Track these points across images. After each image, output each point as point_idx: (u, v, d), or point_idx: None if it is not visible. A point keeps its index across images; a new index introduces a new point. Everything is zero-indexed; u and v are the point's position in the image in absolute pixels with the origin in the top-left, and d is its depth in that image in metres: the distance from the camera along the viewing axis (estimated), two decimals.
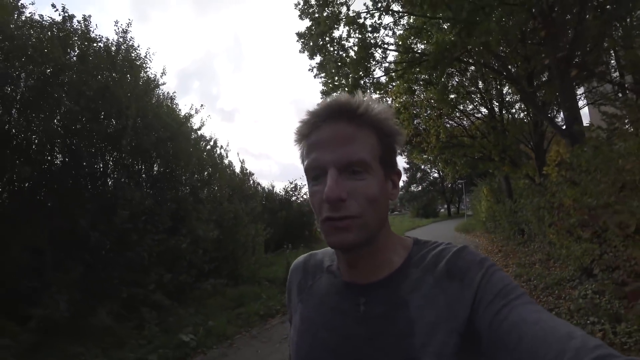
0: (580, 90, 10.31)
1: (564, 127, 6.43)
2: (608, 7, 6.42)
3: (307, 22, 8.67)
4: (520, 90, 8.10)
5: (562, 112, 7.63)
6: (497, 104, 11.92)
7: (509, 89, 11.33)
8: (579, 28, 5.84)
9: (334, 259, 0.68)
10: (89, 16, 6.17)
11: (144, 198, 5.90)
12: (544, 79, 9.45)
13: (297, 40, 9.01)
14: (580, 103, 10.83)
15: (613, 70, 8.42)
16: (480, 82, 11.76)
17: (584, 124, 6.13)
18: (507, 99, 11.94)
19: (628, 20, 6.96)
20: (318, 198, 0.56)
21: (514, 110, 12.22)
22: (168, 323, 4.86)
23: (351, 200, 0.54)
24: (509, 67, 9.09)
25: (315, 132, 0.58)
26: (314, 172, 0.57)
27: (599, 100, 8.41)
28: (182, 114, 7.86)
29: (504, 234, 11.94)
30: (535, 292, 5.51)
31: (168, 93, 8.00)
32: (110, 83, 5.93)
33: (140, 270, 5.22)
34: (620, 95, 7.49)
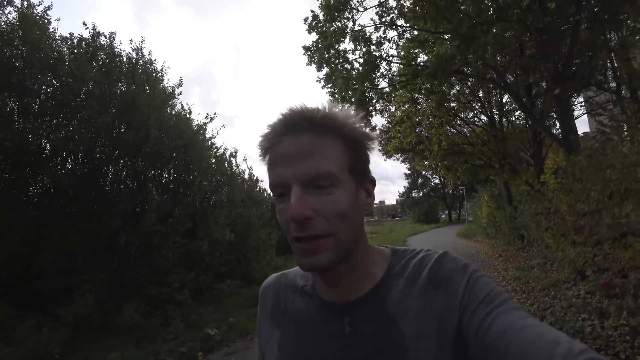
0: (580, 99, 10.61)
1: (561, 136, 6.77)
2: (605, 16, 6.65)
3: (313, 36, 9.09)
4: (518, 101, 8.44)
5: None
6: (497, 112, 12.21)
7: (508, 98, 11.65)
8: (574, 40, 6.11)
9: (308, 277, 0.64)
10: (114, 32, 6.62)
11: (163, 202, 6.26)
12: (543, 88, 9.74)
13: (304, 53, 9.41)
14: (580, 112, 11.16)
15: (610, 79, 8.67)
16: (480, 92, 12.09)
17: (586, 132, 6.39)
18: (506, 108, 12.24)
19: (624, 31, 7.26)
20: (284, 217, 0.52)
21: (513, 118, 12.53)
22: (191, 320, 5.23)
23: (319, 218, 0.50)
24: (508, 77, 9.40)
25: (276, 146, 0.54)
26: (277, 190, 0.53)
27: (595, 110, 8.66)
28: (197, 122, 8.30)
29: (504, 239, 12.13)
30: (532, 293, 5.84)
31: (187, 104, 8.44)
32: (134, 95, 6.33)
33: (163, 271, 5.59)
34: (618, 103, 7.73)
